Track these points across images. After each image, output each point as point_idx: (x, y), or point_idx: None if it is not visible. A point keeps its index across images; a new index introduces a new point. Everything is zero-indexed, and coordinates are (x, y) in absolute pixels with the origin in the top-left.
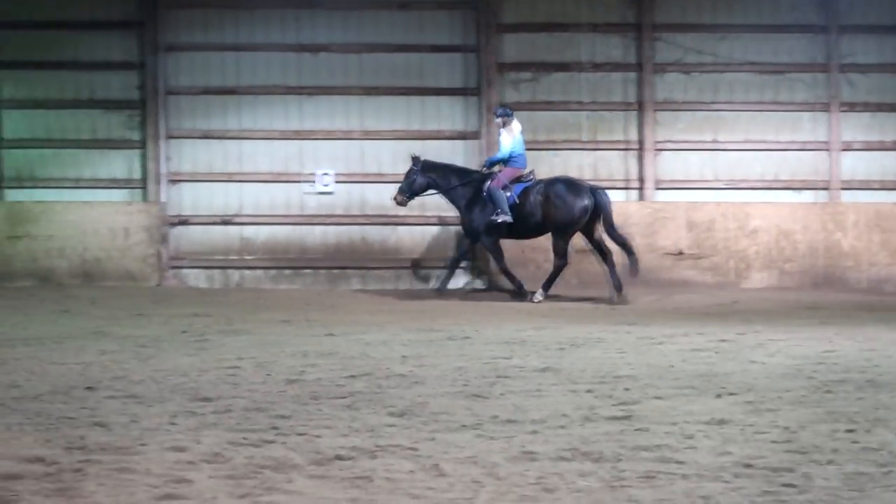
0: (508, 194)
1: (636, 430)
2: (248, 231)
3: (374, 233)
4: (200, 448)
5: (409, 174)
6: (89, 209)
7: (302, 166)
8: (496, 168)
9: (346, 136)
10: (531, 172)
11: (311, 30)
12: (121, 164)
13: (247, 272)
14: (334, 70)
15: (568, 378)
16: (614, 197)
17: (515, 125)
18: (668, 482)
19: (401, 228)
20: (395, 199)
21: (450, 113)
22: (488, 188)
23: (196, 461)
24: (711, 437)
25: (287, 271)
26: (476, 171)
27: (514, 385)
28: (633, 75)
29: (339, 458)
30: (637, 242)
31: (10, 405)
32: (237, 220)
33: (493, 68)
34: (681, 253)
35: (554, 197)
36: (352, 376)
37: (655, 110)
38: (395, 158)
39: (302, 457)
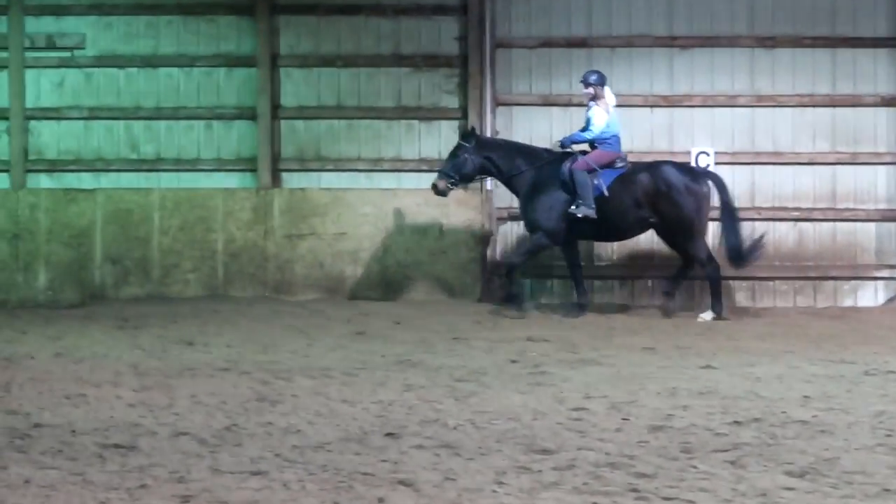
0: (595, 182)
1: None
2: None
3: (768, 231)
4: None
5: (457, 153)
6: (392, 199)
7: (672, 142)
8: (576, 148)
9: (731, 102)
10: (624, 157)
11: None
12: (434, 139)
13: (596, 283)
14: (717, 15)
15: None
16: None
17: (609, 96)
18: None
19: (804, 225)
20: (435, 185)
21: (871, 71)
22: (570, 169)
23: None
24: None
25: (650, 282)
26: (548, 151)
27: None
28: None
29: None
30: None
31: (288, 456)
32: None
33: None
34: None
35: (664, 186)
36: (736, 422)
37: None
38: (797, 132)
39: None
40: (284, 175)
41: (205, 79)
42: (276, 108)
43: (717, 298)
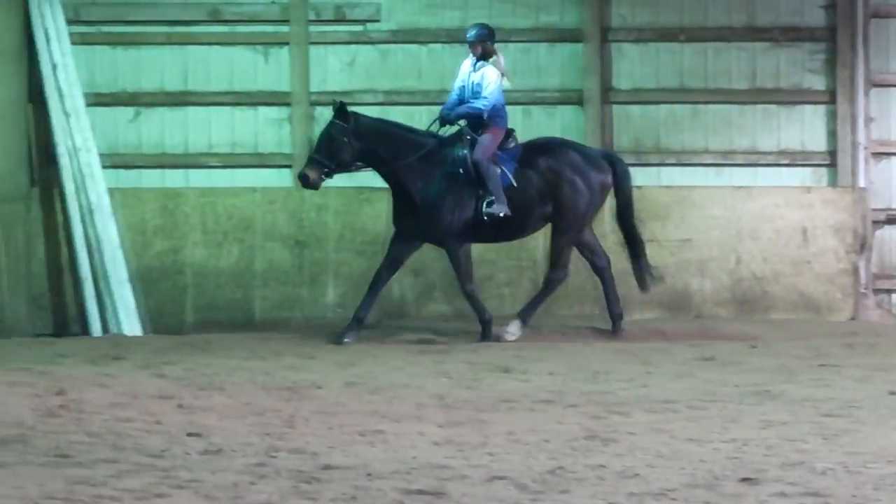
0: (498, 171)
1: None
2: None
3: None
4: None
5: (331, 134)
6: (745, 198)
7: None
8: (458, 124)
9: None
10: (512, 136)
11: None
12: (796, 126)
13: None
14: None
15: None
16: None
17: (501, 57)
18: None
19: None
20: (305, 175)
21: None
22: (475, 162)
23: None
24: None
25: None
26: (431, 135)
27: None
28: None
29: None
30: None
31: None
32: None
33: None
34: None
35: (570, 172)
36: None
37: None
38: None
39: None
40: None
41: (522, 56)
42: (607, 90)
43: (534, 309)
